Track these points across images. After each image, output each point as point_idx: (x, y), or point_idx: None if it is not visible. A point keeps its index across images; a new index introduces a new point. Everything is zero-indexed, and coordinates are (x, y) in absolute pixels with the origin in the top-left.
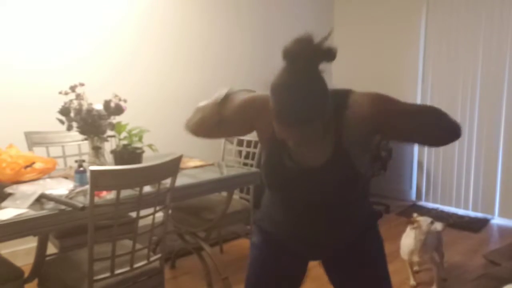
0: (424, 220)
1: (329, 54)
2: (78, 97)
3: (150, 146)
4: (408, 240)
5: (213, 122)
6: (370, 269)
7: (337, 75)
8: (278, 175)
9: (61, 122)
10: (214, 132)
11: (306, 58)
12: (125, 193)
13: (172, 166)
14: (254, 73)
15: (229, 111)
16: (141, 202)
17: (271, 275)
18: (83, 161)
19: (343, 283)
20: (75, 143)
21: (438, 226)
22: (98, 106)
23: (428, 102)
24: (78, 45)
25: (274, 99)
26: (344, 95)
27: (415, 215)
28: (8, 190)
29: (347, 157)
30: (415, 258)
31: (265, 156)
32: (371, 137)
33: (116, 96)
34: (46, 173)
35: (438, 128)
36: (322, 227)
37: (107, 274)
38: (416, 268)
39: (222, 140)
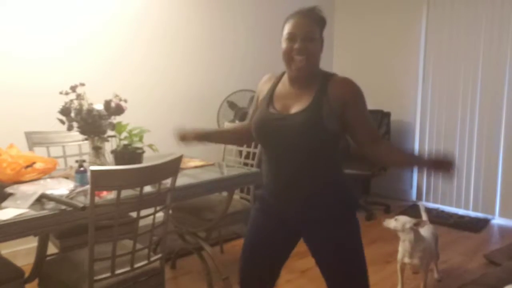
0: (403, 220)
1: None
2: (79, 97)
3: (150, 146)
4: (401, 242)
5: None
6: (339, 261)
7: None
8: (263, 121)
9: (62, 122)
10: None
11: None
12: (126, 193)
13: (173, 166)
14: (253, 70)
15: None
16: (142, 202)
17: (262, 237)
18: (84, 161)
19: (320, 266)
20: (76, 143)
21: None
22: (99, 106)
23: (429, 101)
24: (79, 46)
25: (288, 17)
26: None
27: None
28: (9, 190)
29: (320, 109)
30: (406, 260)
31: (257, 113)
32: (338, 108)
33: (116, 96)
34: (47, 173)
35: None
36: (293, 177)
37: (108, 274)
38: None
39: None
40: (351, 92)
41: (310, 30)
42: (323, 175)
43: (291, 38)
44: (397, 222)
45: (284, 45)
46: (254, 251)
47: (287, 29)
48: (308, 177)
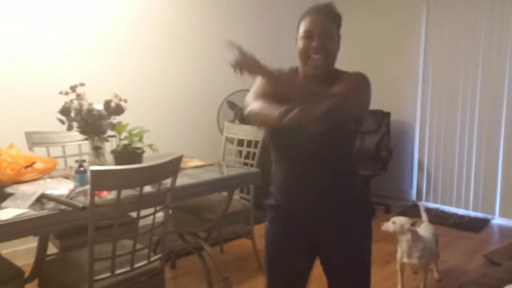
0: (400, 221)
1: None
2: (79, 97)
3: (150, 146)
4: (399, 242)
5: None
6: (352, 265)
7: None
8: (281, 129)
9: (62, 122)
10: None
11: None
12: (126, 193)
13: (173, 166)
14: None
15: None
16: (142, 202)
17: (281, 248)
18: (84, 161)
19: (329, 272)
20: (76, 143)
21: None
22: (99, 106)
23: (429, 101)
24: (80, 46)
25: (303, 15)
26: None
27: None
28: (9, 190)
29: None
30: (405, 260)
31: None
32: None
33: (116, 96)
34: (47, 173)
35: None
36: (313, 180)
37: (108, 274)
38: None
39: (223, 140)
40: (350, 74)
41: (327, 27)
42: (345, 175)
43: (308, 36)
44: (396, 225)
45: (300, 43)
46: (279, 264)
47: (303, 27)
48: (332, 176)
